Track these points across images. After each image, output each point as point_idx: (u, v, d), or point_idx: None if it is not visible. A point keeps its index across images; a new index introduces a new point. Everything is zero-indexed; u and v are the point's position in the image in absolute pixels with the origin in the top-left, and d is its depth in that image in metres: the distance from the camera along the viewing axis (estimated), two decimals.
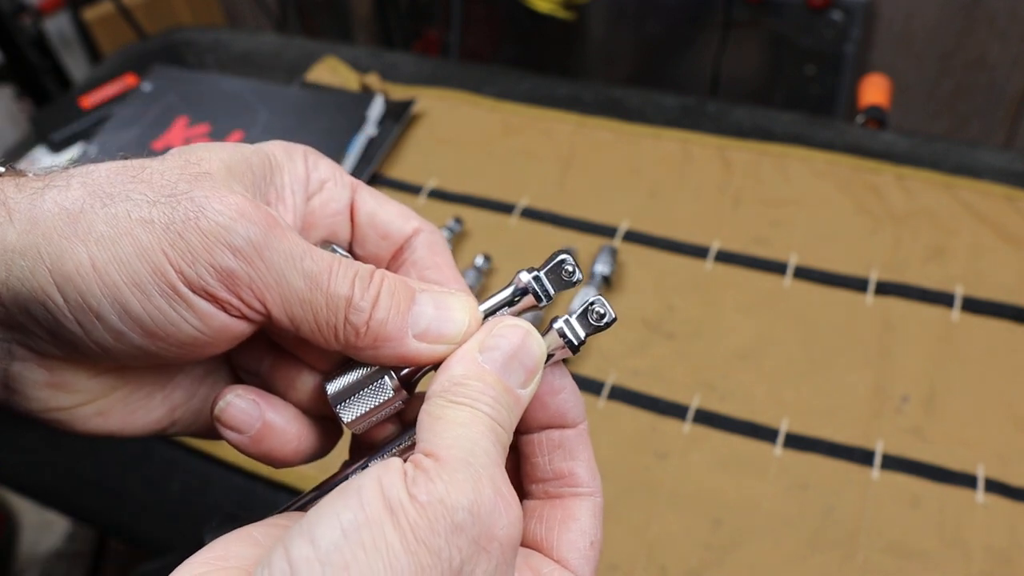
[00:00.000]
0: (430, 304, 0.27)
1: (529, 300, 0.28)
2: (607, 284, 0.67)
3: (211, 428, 0.29)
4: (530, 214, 0.74)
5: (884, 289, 0.64)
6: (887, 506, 0.53)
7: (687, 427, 0.59)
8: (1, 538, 1.37)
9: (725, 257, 0.68)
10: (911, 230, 0.68)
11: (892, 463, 0.55)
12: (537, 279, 0.28)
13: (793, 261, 0.67)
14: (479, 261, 0.68)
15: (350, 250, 0.31)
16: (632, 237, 0.71)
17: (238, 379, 0.30)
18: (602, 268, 0.67)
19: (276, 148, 0.30)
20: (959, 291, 0.64)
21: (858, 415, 0.58)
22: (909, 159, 0.74)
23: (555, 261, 0.28)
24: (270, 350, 0.29)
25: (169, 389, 0.29)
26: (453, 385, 0.25)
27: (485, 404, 0.25)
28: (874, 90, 0.92)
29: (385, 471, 0.23)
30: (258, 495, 0.59)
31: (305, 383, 0.29)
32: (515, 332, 0.26)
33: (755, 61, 1.45)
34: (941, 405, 0.58)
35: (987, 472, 0.54)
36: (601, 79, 1.48)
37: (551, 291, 0.28)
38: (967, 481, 0.54)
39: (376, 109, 0.81)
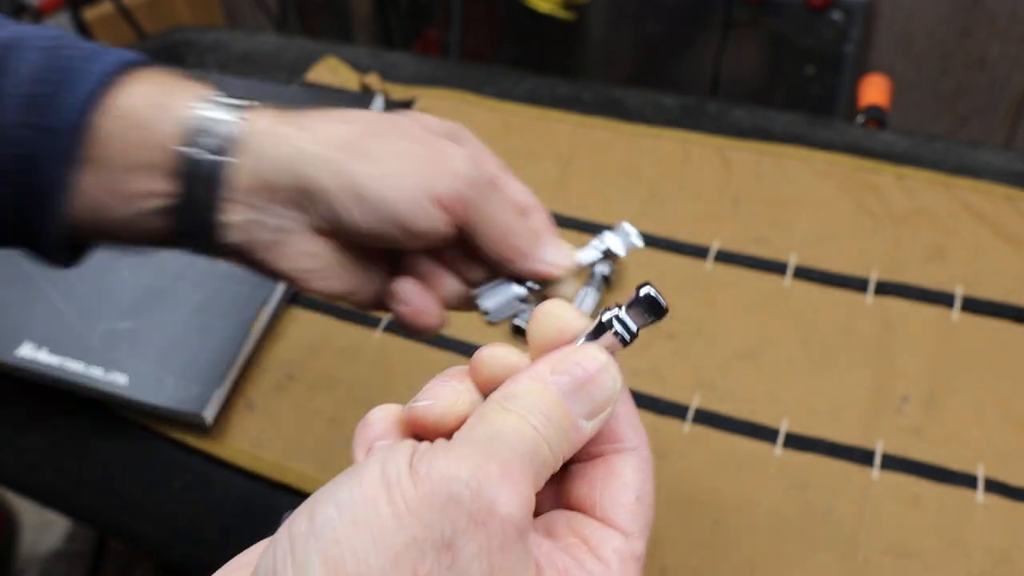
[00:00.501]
0: (550, 242, 0.39)
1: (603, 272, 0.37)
2: (607, 284, 0.67)
3: (374, 304, 0.40)
4: None
5: (884, 289, 0.65)
6: (887, 506, 0.53)
7: (687, 427, 0.59)
8: (1, 538, 1.37)
9: (725, 257, 0.68)
10: (911, 230, 0.68)
11: (892, 463, 0.55)
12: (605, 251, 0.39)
13: (793, 261, 0.67)
14: None
15: None
16: None
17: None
18: (602, 268, 0.67)
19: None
20: (959, 291, 0.64)
21: (858, 415, 0.58)
22: (909, 159, 0.74)
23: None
24: (430, 262, 0.39)
25: (368, 272, 0.39)
26: (512, 394, 0.25)
27: (535, 418, 0.25)
28: (874, 90, 0.92)
29: (390, 451, 0.23)
30: (258, 495, 0.59)
31: (448, 284, 0.39)
32: (592, 363, 0.27)
33: (755, 61, 1.45)
34: (941, 405, 0.58)
35: (987, 472, 0.54)
36: (601, 79, 1.48)
37: (621, 252, 0.40)
38: (967, 481, 0.54)
39: (376, 109, 0.81)
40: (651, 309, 0.28)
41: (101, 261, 0.70)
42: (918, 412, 0.57)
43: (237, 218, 0.35)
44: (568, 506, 0.28)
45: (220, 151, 0.34)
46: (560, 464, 0.26)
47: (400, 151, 0.35)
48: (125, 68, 0.35)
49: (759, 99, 1.45)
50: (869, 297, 0.64)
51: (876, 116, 0.88)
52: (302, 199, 0.35)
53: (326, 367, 0.65)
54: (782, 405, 0.59)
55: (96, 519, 0.62)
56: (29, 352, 0.64)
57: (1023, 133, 1.40)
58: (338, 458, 0.60)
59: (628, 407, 0.29)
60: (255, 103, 0.37)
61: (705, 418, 0.59)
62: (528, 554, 0.24)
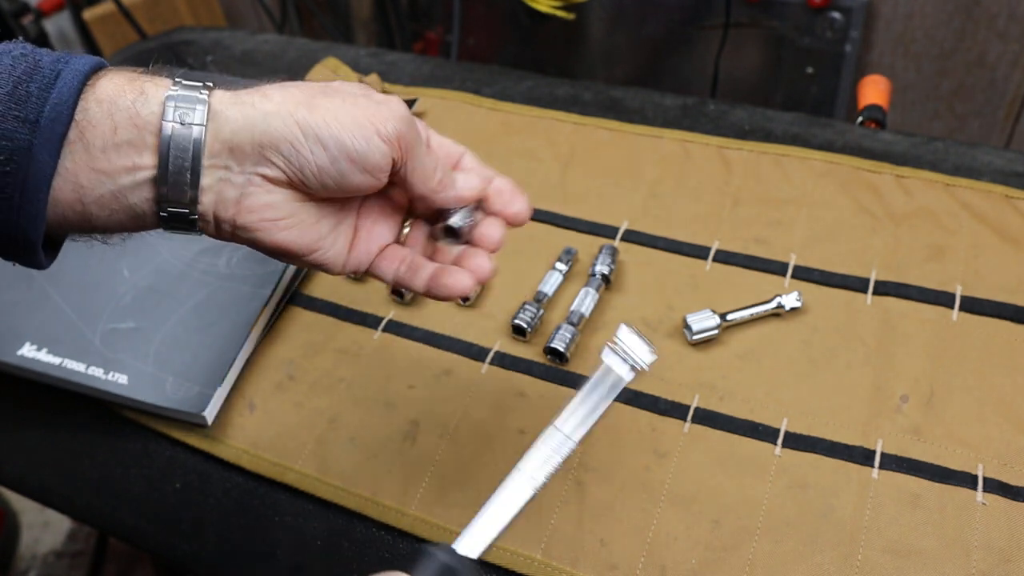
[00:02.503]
0: (461, 176, 0.48)
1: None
2: (607, 284, 0.67)
3: (343, 267, 0.46)
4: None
5: (884, 289, 0.65)
6: (887, 506, 0.53)
7: (687, 427, 0.59)
8: (1, 537, 1.37)
9: (725, 257, 0.68)
10: (911, 230, 0.68)
11: (892, 462, 0.55)
12: None
13: (793, 261, 0.67)
14: None
15: None
16: (632, 237, 0.71)
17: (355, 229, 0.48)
18: (602, 268, 0.67)
19: None
20: (959, 291, 0.64)
21: (858, 415, 0.58)
22: (909, 159, 0.74)
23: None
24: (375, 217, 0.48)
25: (328, 226, 0.45)
26: None
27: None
28: (873, 90, 0.92)
29: None
30: (258, 495, 0.59)
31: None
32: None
33: (755, 61, 1.45)
34: (941, 405, 0.58)
35: (987, 472, 0.54)
36: (601, 79, 1.48)
37: None
38: (967, 481, 0.54)
39: None
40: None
41: (101, 261, 0.70)
42: (917, 412, 0.58)
43: (209, 180, 0.40)
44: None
45: (194, 122, 0.39)
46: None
47: (347, 103, 0.42)
48: (100, 65, 0.40)
49: (759, 99, 1.45)
50: (869, 297, 0.64)
51: (875, 116, 0.88)
52: (265, 151, 0.40)
53: (326, 367, 0.65)
54: (782, 405, 0.59)
55: (96, 519, 0.62)
56: (29, 352, 0.64)
57: (1023, 133, 1.40)
58: (338, 458, 0.60)
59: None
60: (217, 84, 0.42)
61: (705, 418, 0.59)
62: None
